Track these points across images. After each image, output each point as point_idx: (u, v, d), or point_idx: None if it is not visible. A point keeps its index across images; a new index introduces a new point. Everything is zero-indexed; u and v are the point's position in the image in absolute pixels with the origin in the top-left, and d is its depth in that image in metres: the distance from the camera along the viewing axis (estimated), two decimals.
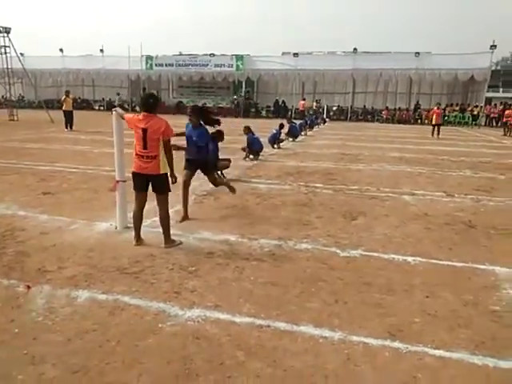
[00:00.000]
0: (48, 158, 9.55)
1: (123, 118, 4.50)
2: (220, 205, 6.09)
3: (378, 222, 5.43)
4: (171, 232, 4.37)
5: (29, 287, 3.33)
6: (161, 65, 32.93)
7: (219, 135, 7.22)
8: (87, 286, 3.38)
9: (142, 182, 4.22)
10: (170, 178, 4.30)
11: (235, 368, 2.43)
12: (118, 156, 4.73)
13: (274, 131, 13.07)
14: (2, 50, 21.44)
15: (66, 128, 16.80)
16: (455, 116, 27.97)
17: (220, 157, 8.05)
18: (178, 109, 30.51)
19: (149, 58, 32.84)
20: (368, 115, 30.81)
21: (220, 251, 4.21)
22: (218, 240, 4.54)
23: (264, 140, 11.71)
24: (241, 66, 31.28)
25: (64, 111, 17.05)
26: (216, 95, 33.60)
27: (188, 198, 5.36)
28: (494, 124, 27.06)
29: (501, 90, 43.98)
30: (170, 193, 4.35)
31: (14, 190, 6.64)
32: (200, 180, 7.57)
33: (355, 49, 29.49)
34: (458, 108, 28.65)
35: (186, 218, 5.24)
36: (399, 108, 30.12)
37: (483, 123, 27.63)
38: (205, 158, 5.45)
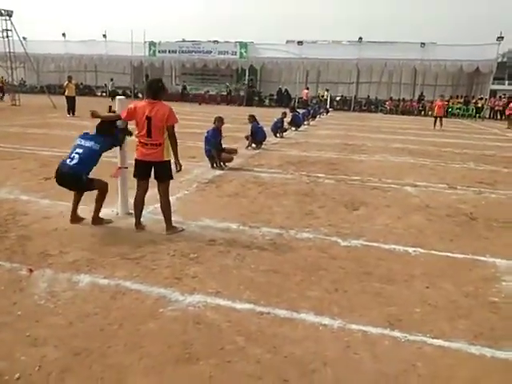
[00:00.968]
0: (50, 144, 9.52)
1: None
2: (222, 193, 6.08)
3: (379, 212, 5.43)
4: (173, 219, 4.38)
5: (31, 271, 3.35)
6: (164, 51, 32.65)
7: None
8: (89, 271, 3.40)
9: (145, 168, 4.21)
10: (174, 165, 4.27)
11: (235, 353, 2.45)
12: None
13: (275, 120, 13.02)
14: (4, 34, 21.23)
15: (69, 114, 16.70)
16: (459, 108, 27.77)
17: (224, 146, 7.93)
18: (183, 95, 30.44)
19: (152, 44, 32.55)
20: (372, 106, 30.60)
21: (221, 239, 4.22)
22: (220, 228, 4.55)
23: (267, 129, 11.66)
24: (244, 53, 31.02)
25: (66, 97, 16.94)
26: (219, 83, 33.32)
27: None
28: (499, 117, 26.87)
29: (506, 82, 43.63)
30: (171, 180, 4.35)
31: (17, 174, 6.65)
32: (202, 168, 7.57)
33: (360, 38, 29.17)
34: (462, 100, 28.43)
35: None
36: (403, 99, 29.88)
37: (487, 116, 27.45)
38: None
